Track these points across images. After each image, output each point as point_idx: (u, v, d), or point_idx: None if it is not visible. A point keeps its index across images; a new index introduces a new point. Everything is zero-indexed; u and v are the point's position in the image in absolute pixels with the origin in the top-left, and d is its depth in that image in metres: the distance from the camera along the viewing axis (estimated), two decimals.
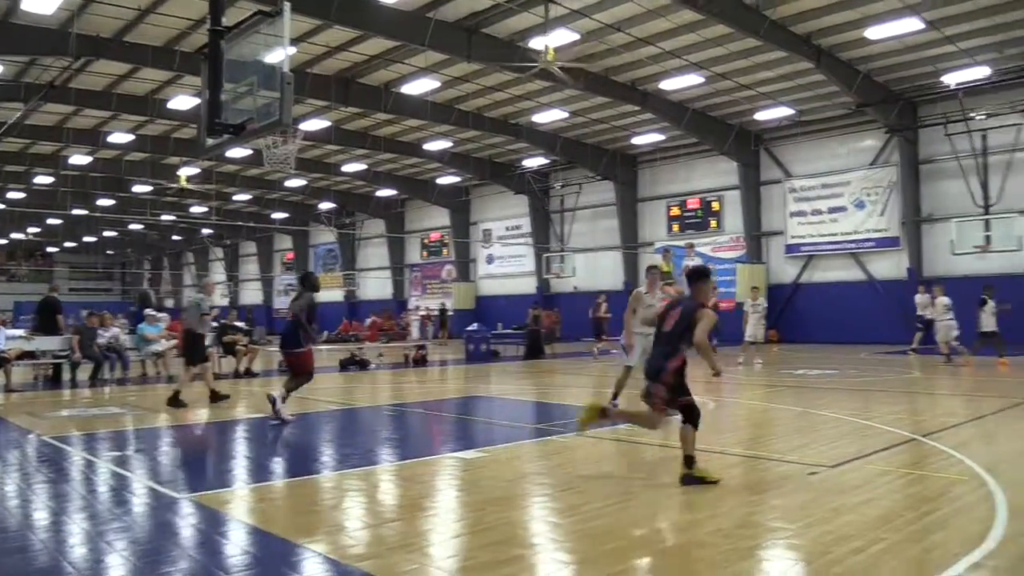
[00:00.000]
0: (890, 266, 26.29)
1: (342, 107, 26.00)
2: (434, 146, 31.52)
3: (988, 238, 22.57)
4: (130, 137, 29.14)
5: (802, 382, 14.43)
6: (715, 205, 31.08)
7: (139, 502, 5.95)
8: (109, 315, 17.77)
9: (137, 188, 38.68)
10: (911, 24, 18.91)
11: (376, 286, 46.00)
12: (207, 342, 13.14)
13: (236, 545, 4.84)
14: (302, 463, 7.96)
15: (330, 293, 42.98)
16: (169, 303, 55.35)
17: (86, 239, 59.05)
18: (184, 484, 6.64)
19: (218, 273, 57.50)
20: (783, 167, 28.93)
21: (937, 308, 18.45)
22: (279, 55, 7.13)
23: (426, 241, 43.67)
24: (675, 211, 32.33)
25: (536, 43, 19.20)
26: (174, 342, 17.16)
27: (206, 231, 55.15)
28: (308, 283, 10.86)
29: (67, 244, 61.30)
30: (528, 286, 36.95)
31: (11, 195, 39.40)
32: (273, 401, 9.92)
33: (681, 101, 26.06)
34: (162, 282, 66.39)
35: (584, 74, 22.36)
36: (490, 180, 37.00)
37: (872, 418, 9.44)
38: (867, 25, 19.24)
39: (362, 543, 4.86)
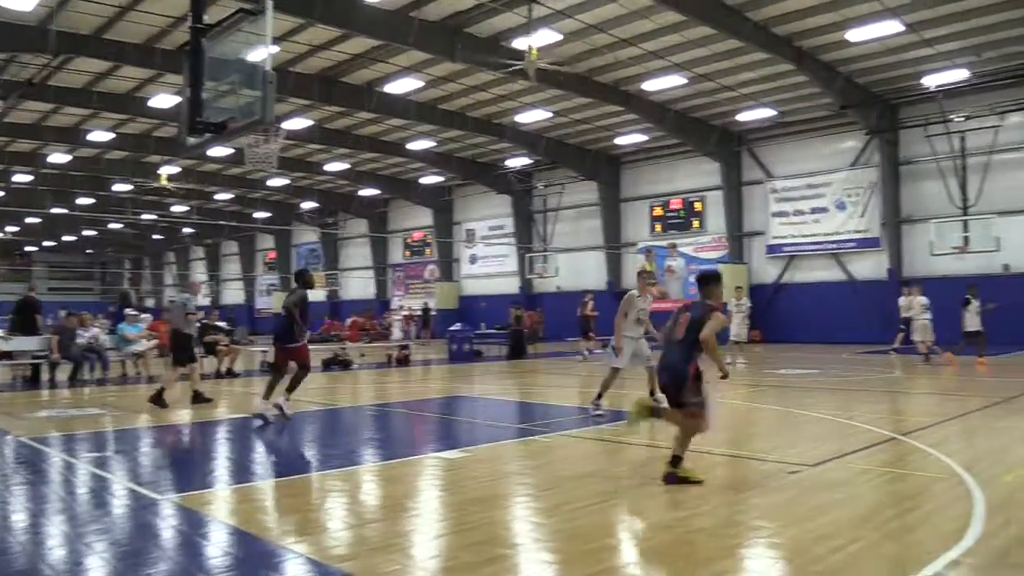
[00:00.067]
0: (871, 266, 26.51)
1: (325, 106, 25.92)
2: (417, 145, 31.45)
3: (966, 239, 22.80)
4: (110, 135, 28.91)
5: (784, 382, 14.52)
6: (697, 205, 31.22)
7: (119, 504, 5.90)
8: (88, 315, 17.61)
9: (117, 187, 38.34)
10: (891, 27, 19.10)
11: (359, 286, 45.86)
12: None
13: (217, 546, 4.81)
14: (284, 464, 7.92)
15: (312, 293, 42.73)
16: (150, 303, 55.01)
17: (65, 238, 58.53)
18: (165, 485, 6.59)
19: (199, 273, 57.12)
20: (765, 168, 29.10)
21: (914, 307, 18.68)
22: (261, 53, 7.08)
23: (409, 241, 43.57)
24: (658, 211, 32.44)
25: (519, 43, 19.22)
26: (155, 342, 17.07)
27: (187, 230, 54.77)
28: (302, 280, 10.91)
29: (46, 243, 60.74)
30: (511, 286, 36.96)
31: None
32: (280, 408, 10.05)
33: (664, 102, 26.15)
34: (143, 282, 65.88)
35: (573, 76, 22.39)
36: (473, 180, 36.99)
37: (853, 417, 9.52)
38: (848, 27, 19.40)
39: (344, 544, 4.84)
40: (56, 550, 4.79)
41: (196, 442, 9.34)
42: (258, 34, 7.19)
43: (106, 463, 7.59)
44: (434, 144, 31.87)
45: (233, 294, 56.64)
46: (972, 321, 17.31)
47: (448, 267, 40.95)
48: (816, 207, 27.71)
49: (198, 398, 11.83)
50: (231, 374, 17.22)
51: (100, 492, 6.30)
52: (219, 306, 42.80)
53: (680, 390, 6.11)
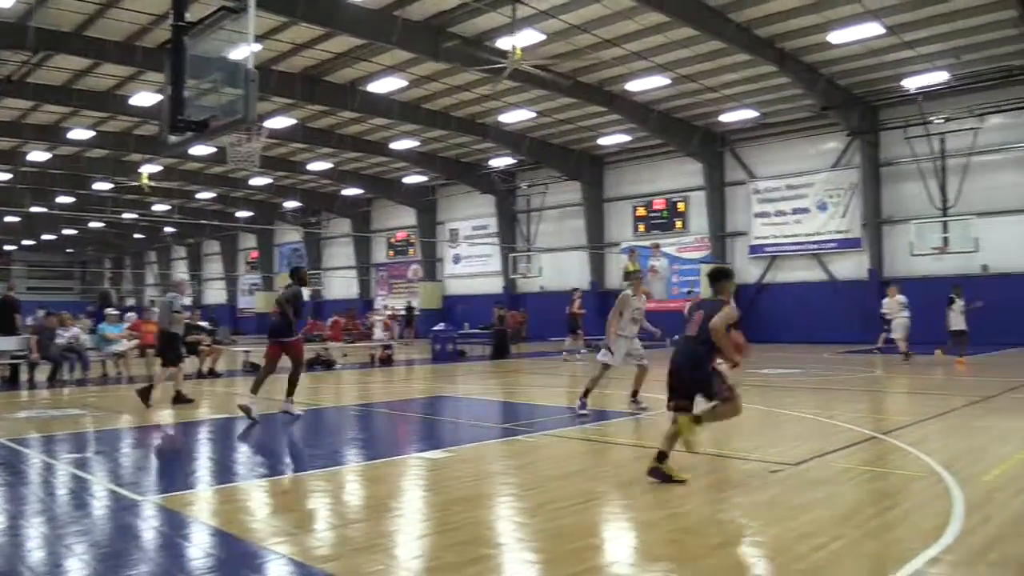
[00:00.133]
0: (852, 267, 26.72)
1: (308, 105, 25.81)
2: (400, 145, 31.39)
3: (946, 240, 23.07)
4: (91, 133, 28.62)
5: (766, 381, 14.59)
6: (680, 206, 31.33)
7: (99, 505, 5.84)
8: (68, 315, 17.44)
9: (98, 185, 37.99)
10: (872, 29, 19.26)
11: (342, 285, 45.70)
12: None
13: (199, 548, 4.77)
14: (267, 464, 7.88)
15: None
16: (130, 302, 54.55)
17: (45, 237, 57.93)
18: (146, 486, 6.54)
19: (181, 272, 56.70)
20: (747, 168, 29.25)
21: (892, 306, 18.89)
22: (244, 51, 7.05)
23: (392, 240, 43.46)
24: (641, 211, 32.54)
25: (503, 43, 19.22)
26: (135, 342, 16.92)
27: (169, 229, 54.36)
28: (296, 276, 10.96)
29: (25, 242, 60.08)
30: (495, 286, 36.94)
31: None
32: (287, 410, 10.33)
33: (647, 102, 26.24)
34: (123, 281, 65.32)
35: (559, 76, 22.41)
36: (457, 180, 36.95)
37: (834, 416, 9.60)
38: (830, 29, 19.55)
39: (327, 544, 4.82)
40: (35, 552, 4.73)
41: (178, 443, 9.27)
42: (240, 32, 7.17)
43: (86, 464, 7.52)
44: (417, 144, 31.81)
45: (215, 294, 56.29)
46: (957, 320, 17.50)
47: (431, 267, 40.87)
48: (798, 208, 27.88)
49: (180, 398, 11.76)
50: (213, 374, 17.11)
51: (80, 493, 6.24)
52: (201, 306, 42.56)
53: (703, 384, 6.15)
